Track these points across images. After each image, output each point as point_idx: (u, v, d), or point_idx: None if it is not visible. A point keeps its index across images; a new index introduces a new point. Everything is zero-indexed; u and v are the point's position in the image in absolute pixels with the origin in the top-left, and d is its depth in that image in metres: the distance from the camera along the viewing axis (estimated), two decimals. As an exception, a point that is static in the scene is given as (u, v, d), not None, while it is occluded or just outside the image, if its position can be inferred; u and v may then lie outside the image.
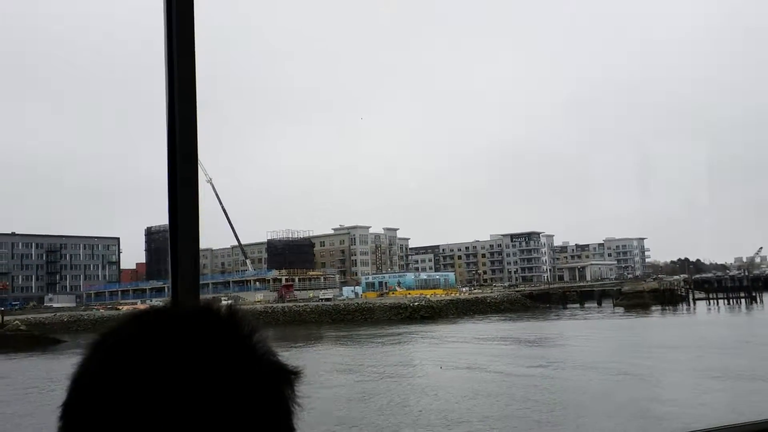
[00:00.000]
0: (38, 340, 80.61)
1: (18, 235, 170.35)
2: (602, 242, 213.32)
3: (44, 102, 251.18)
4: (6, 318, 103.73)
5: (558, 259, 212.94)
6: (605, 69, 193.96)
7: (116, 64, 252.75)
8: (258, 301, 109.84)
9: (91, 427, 0.72)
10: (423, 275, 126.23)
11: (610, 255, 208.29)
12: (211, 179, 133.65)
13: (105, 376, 0.73)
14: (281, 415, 0.79)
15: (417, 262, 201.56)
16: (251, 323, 0.82)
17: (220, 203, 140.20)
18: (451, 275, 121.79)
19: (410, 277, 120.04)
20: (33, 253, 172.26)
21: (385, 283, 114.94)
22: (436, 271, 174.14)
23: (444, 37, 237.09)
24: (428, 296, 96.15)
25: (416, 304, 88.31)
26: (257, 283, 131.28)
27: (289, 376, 0.81)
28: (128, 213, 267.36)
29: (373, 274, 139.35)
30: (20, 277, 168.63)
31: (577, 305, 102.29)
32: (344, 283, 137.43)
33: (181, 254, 1.89)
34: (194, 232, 1.93)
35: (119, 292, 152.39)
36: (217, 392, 0.73)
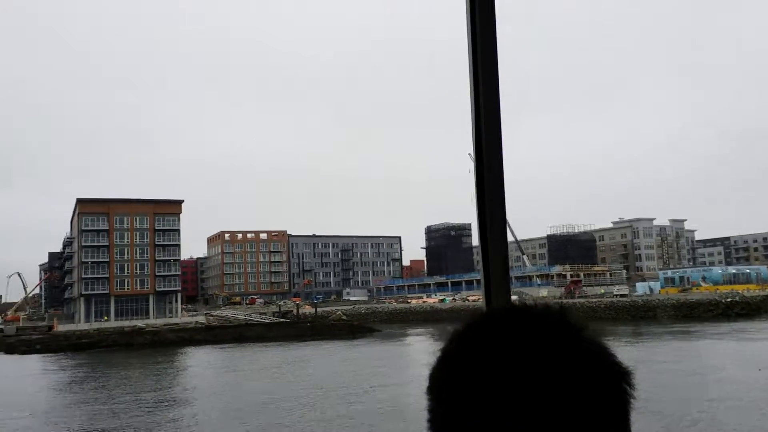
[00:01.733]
0: (358, 328, 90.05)
1: (318, 236, 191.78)
2: None
3: (340, 115, 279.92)
4: (319, 309, 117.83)
5: None
6: None
7: (419, 66, 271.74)
8: (543, 297, 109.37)
9: (452, 410, 0.81)
10: (731, 269, 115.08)
11: None
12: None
13: (461, 366, 0.83)
14: (620, 412, 0.81)
15: (704, 255, 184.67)
16: (583, 321, 0.86)
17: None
18: (764, 269, 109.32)
19: (716, 271, 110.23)
20: (330, 252, 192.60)
21: (687, 278, 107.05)
22: (727, 265, 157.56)
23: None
24: (741, 291, 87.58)
25: (728, 300, 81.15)
26: (538, 278, 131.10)
27: (624, 373, 0.84)
28: (405, 213, 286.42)
29: (672, 269, 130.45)
30: (320, 273, 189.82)
31: None
32: (629, 279, 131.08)
33: (491, 254, 1.93)
34: (502, 231, 1.94)
35: (405, 287, 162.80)
36: (561, 387, 0.77)
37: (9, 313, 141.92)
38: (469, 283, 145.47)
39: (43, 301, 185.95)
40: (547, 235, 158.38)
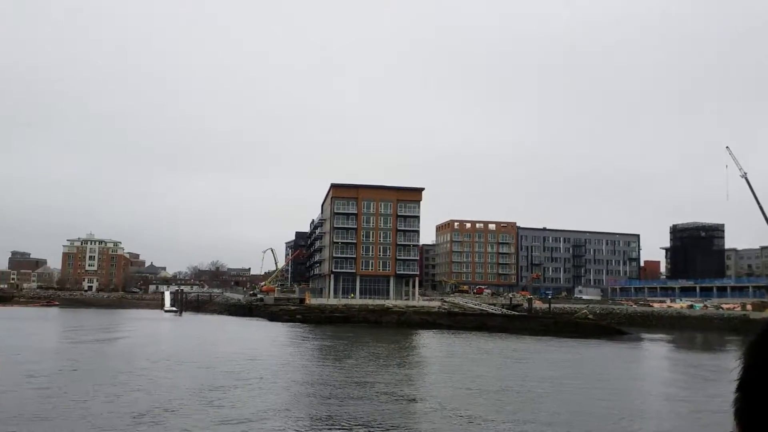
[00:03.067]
0: (604, 329, 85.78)
1: (548, 230, 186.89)
2: None
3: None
4: (552, 306, 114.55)
5: None
6: None
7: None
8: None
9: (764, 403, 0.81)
10: None
11: None
12: (746, 173, 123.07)
13: None
14: None
15: None
16: None
17: (756, 199, 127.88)
18: None
19: None
20: (561, 246, 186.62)
21: None
22: None
23: None
24: None
25: None
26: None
27: None
28: (640, 209, 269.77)
29: None
30: (549, 268, 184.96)
31: None
32: None
33: None
34: None
35: (645, 289, 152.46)
36: None
37: (264, 284, 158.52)
38: (722, 289, 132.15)
39: (290, 275, 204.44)
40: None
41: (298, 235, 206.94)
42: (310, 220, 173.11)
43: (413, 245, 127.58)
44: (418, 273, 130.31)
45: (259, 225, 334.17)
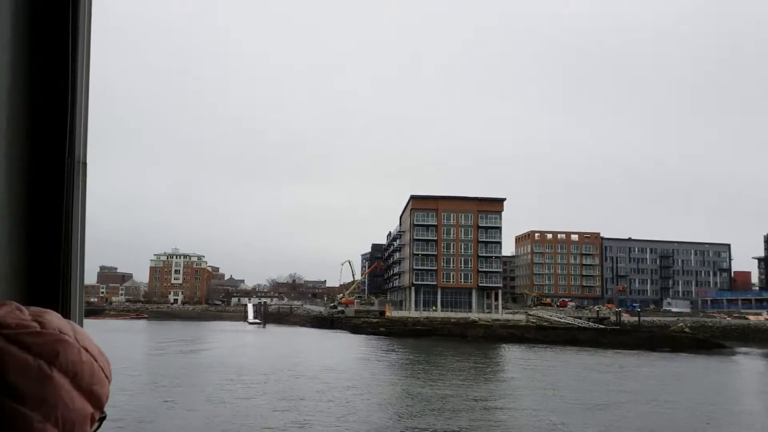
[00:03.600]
0: (701, 343, 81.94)
1: (634, 240, 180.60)
2: None
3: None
4: (639, 319, 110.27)
5: None
6: None
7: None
8: None
9: None
10: None
11: None
12: None
13: None
14: None
15: None
16: None
17: None
18: None
19: None
20: (647, 257, 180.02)
21: None
22: None
23: None
24: None
25: None
26: None
27: None
28: (733, 218, 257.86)
29: None
30: (636, 280, 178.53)
31: None
32: None
33: None
34: None
35: (738, 301, 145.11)
36: None
37: (343, 296, 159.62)
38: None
39: (366, 287, 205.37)
40: None
41: (374, 247, 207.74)
42: (387, 232, 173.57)
43: (495, 257, 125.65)
44: (501, 285, 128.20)
45: (333, 237, 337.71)
